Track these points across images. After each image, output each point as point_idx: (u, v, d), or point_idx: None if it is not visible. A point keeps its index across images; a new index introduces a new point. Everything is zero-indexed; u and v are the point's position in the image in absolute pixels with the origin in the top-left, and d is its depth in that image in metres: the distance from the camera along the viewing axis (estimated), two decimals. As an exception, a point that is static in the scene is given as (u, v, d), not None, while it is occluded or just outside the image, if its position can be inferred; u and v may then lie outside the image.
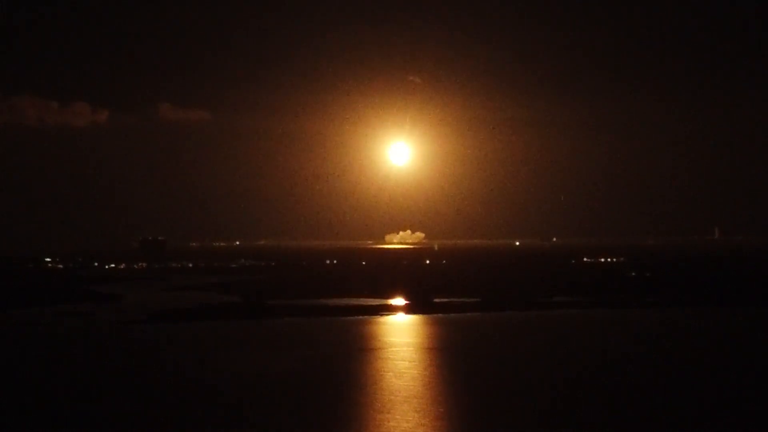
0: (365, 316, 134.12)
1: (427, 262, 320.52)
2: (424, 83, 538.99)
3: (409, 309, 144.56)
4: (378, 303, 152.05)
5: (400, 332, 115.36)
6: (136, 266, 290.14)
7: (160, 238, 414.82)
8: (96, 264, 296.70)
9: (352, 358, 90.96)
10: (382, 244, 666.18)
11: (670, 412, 64.43)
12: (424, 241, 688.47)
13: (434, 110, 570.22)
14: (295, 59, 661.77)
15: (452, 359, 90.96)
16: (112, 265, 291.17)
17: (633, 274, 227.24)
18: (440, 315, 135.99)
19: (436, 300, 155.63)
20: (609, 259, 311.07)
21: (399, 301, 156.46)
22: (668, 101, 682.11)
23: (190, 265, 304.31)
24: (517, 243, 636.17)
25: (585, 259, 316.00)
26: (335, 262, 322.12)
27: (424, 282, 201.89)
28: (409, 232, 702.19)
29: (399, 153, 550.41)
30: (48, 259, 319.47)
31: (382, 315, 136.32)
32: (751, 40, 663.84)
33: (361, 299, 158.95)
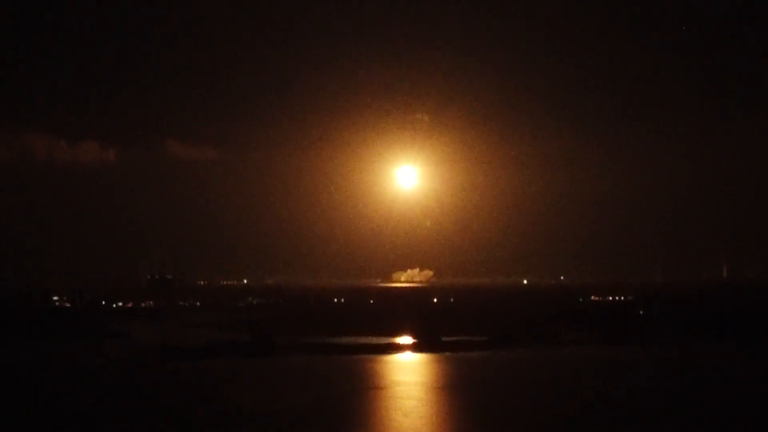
0: (373, 355, 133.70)
1: (435, 300, 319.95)
2: (431, 120, 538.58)
3: (416, 347, 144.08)
4: (385, 341, 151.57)
5: (408, 371, 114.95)
6: (143, 304, 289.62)
7: (167, 275, 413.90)
8: (103, 302, 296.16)
9: (359, 397, 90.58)
10: (389, 282, 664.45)
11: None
12: (432, 279, 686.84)
13: (441, 145, 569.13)
14: (299, 93, 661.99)
15: (460, 398, 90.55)
16: (120, 303, 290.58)
17: (641, 312, 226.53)
18: (448, 353, 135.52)
19: (444, 338, 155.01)
20: (617, 297, 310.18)
21: (407, 339, 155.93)
22: (679, 137, 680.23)
23: (198, 303, 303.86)
24: (525, 281, 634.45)
25: (593, 297, 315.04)
26: (342, 300, 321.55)
27: (431, 320, 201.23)
28: (417, 270, 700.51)
29: (406, 177, 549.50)
30: (55, 297, 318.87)
31: (389, 353, 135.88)
32: (763, 68, 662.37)
33: (369, 338, 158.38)
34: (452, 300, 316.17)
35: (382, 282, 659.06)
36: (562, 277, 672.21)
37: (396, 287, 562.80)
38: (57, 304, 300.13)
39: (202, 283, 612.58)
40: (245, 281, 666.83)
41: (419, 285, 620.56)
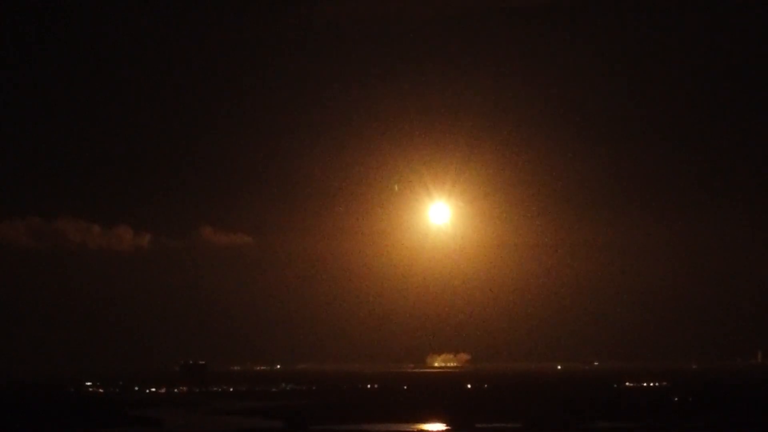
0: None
1: (469, 386, 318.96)
2: (461, 208, 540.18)
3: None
4: (418, 428, 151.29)
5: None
6: (176, 390, 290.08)
7: (201, 362, 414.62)
8: (137, 388, 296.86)
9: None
10: (423, 367, 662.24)
11: None
12: (467, 363, 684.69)
13: (487, 230, 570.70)
14: (328, 181, 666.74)
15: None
16: (153, 389, 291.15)
17: (676, 398, 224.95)
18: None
19: (478, 425, 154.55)
20: (651, 383, 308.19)
21: (440, 426, 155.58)
22: (715, 226, 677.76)
23: (231, 389, 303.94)
24: (559, 366, 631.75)
25: (627, 383, 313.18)
26: (376, 386, 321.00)
27: (465, 406, 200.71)
28: (452, 354, 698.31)
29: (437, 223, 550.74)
30: (89, 383, 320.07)
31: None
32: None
33: (402, 424, 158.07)
34: (486, 386, 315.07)
35: (416, 367, 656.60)
36: (596, 363, 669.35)
37: (430, 372, 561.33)
38: (90, 390, 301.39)
39: (235, 368, 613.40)
40: (278, 366, 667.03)
41: (453, 369, 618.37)
